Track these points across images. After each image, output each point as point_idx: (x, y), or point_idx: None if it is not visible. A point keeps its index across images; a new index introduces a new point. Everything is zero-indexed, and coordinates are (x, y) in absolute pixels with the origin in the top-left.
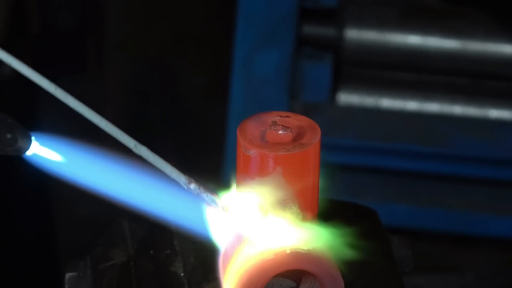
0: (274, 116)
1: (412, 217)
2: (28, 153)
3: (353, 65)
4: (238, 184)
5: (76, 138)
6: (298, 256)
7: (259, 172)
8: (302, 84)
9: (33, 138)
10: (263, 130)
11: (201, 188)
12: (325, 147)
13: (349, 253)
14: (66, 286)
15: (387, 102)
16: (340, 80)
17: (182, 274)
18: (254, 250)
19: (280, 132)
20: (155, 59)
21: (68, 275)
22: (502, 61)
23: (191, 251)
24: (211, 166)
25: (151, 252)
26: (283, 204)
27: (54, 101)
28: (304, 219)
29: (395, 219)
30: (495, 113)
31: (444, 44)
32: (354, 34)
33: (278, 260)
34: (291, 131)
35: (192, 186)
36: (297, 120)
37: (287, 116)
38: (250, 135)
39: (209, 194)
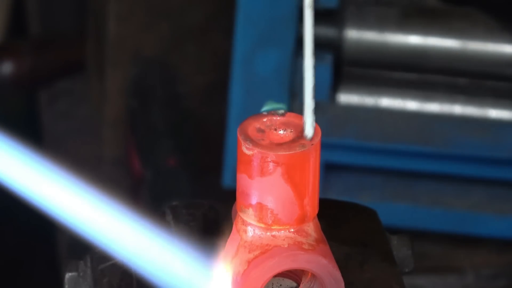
0: (275, 116)
1: (412, 217)
2: None
3: (353, 65)
4: (238, 184)
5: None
6: (298, 256)
7: (259, 172)
8: (302, 84)
9: None
10: (263, 130)
11: None
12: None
13: (349, 253)
14: (66, 286)
15: (387, 102)
16: (340, 80)
17: None
18: (253, 250)
19: (280, 132)
20: (155, 59)
21: (68, 275)
22: (502, 61)
23: None
24: (211, 166)
25: None
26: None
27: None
28: (304, 219)
29: (395, 219)
30: (494, 113)
31: (444, 44)
32: (354, 34)
33: (278, 260)
34: (291, 131)
35: None
36: (298, 120)
37: (287, 116)
38: (250, 135)
39: None
